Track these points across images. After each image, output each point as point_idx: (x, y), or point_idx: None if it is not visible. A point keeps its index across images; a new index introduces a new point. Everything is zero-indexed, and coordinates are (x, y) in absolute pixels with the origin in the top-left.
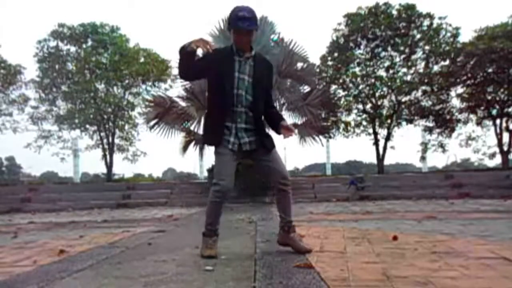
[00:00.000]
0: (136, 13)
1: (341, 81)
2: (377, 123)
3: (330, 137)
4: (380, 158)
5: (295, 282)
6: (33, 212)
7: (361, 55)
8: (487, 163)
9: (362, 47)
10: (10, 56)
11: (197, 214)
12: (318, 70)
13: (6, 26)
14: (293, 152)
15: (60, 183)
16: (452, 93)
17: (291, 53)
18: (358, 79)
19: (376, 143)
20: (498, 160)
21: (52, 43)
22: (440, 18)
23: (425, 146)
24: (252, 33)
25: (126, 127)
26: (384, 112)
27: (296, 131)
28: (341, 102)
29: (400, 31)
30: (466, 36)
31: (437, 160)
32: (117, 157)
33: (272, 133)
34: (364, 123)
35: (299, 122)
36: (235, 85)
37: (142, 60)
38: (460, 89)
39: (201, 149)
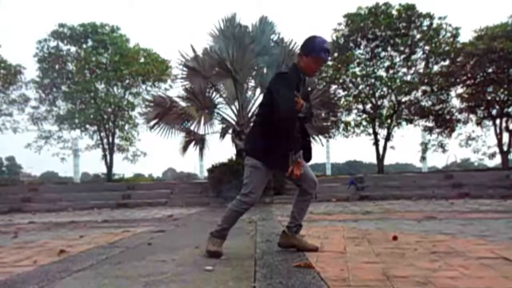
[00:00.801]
0: (136, 13)
1: (341, 81)
2: (377, 123)
3: (330, 137)
4: (380, 158)
5: (295, 282)
6: (33, 212)
7: (361, 55)
8: (487, 163)
9: (362, 47)
10: (10, 56)
11: (197, 214)
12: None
13: (6, 26)
14: None
15: (60, 183)
16: (452, 93)
17: (291, 53)
18: (358, 79)
19: (376, 143)
20: (498, 160)
21: (52, 43)
22: (440, 18)
23: (425, 146)
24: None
25: (126, 127)
26: (384, 112)
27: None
28: (341, 102)
29: (400, 31)
30: (466, 36)
31: (437, 160)
32: (117, 157)
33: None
34: (364, 123)
35: None
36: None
37: (142, 60)
38: (460, 89)
39: (201, 149)
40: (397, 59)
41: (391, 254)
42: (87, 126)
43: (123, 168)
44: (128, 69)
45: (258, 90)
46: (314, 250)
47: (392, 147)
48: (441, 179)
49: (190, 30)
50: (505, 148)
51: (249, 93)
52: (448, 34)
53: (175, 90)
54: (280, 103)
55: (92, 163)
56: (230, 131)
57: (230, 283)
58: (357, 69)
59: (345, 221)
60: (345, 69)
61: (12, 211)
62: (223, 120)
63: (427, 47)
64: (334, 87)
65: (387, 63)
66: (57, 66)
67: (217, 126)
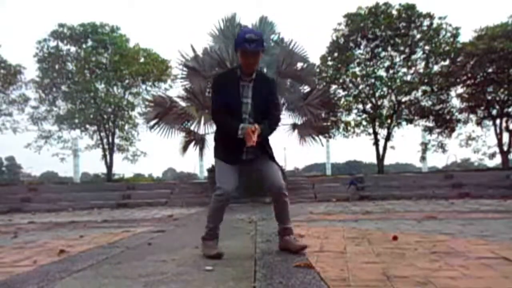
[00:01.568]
0: (136, 13)
1: (341, 81)
2: (377, 123)
3: (330, 137)
4: (380, 158)
5: (295, 282)
6: (33, 212)
7: (361, 55)
8: (487, 163)
9: (362, 47)
10: (10, 56)
11: (197, 214)
12: (318, 70)
13: (6, 26)
14: (293, 152)
15: (60, 183)
16: (452, 93)
17: (291, 53)
18: (358, 79)
19: (376, 143)
20: (498, 160)
21: (52, 43)
22: (440, 18)
23: (425, 146)
24: (258, 54)
25: (126, 127)
26: (384, 112)
27: (255, 137)
28: (341, 102)
29: (400, 31)
30: (466, 36)
31: (437, 160)
32: (117, 157)
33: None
34: (364, 123)
35: (299, 122)
36: (241, 111)
37: (142, 60)
38: (460, 89)
39: (201, 149)
40: (397, 59)
41: (391, 254)
42: (87, 126)
43: (123, 168)
44: (128, 69)
45: None
46: (301, 248)
47: (392, 147)
48: (441, 179)
49: (190, 30)
50: (505, 148)
51: None
52: (448, 34)
53: (175, 90)
54: (212, 108)
55: (92, 163)
56: None
57: (230, 283)
58: (357, 69)
59: (345, 221)
60: (345, 69)
61: (12, 211)
62: None
63: (427, 47)
64: (334, 87)
65: (387, 63)
66: (57, 66)
67: None
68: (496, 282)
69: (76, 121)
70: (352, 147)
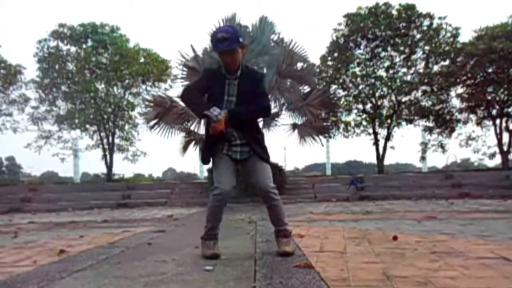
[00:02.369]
0: (136, 13)
1: (341, 81)
2: (377, 123)
3: (330, 137)
4: (380, 158)
5: (295, 282)
6: (33, 212)
7: (361, 55)
8: (487, 163)
9: (362, 47)
10: (10, 56)
11: (197, 214)
12: (318, 70)
13: (6, 26)
14: (293, 152)
15: (60, 183)
16: (452, 93)
17: (291, 53)
18: (358, 79)
19: (376, 143)
20: (498, 160)
21: (52, 43)
22: (440, 18)
23: (425, 146)
24: (235, 51)
25: (126, 127)
26: (384, 112)
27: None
28: (341, 102)
29: (400, 31)
30: (466, 36)
31: (437, 160)
32: (117, 157)
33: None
34: (364, 123)
35: (299, 122)
36: (222, 108)
37: (142, 60)
38: (460, 89)
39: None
40: (397, 59)
41: (391, 254)
42: (87, 126)
43: (123, 168)
44: (128, 69)
45: None
46: (284, 254)
47: (392, 147)
48: (441, 179)
49: (190, 30)
50: (505, 148)
51: None
52: (448, 34)
53: (175, 90)
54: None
55: (92, 163)
56: None
57: (230, 283)
58: (357, 69)
59: (345, 221)
60: (345, 69)
61: (12, 211)
62: None
63: (427, 47)
64: (334, 87)
65: (387, 63)
66: (57, 66)
67: None
68: (496, 282)
69: (76, 121)
70: (352, 147)
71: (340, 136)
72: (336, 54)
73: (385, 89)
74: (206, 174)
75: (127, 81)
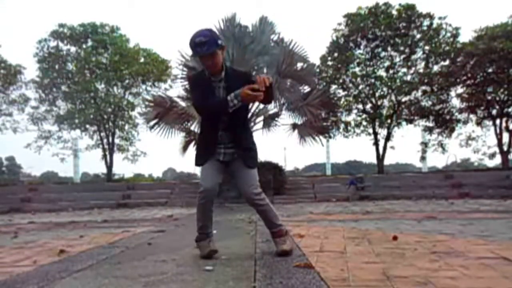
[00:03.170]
0: (136, 13)
1: (341, 81)
2: (377, 123)
3: (330, 137)
4: (380, 158)
5: (295, 282)
6: (33, 212)
7: (361, 55)
8: (487, 163)
9: (362, 47)
10: (10, 56)
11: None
12: (318, 70)
13: (6, 26)
14: (293, 152)
15: (60, 183)
16: (452, 93)
17: (291, 53)
18: (358, 79)
19: (376, 143)
20: (498, 160)
21: (52, 43)
22: (440, 18)
23: (425, 146)
24: (214, 54)
25: (126, 127)
26: (384, 112)
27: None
28: (341, 102)
29: (400, 31)
30: (466, 36)
31: (437, 160)
32: (117, 157)
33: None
34: (364, 123)
35: (299, 122)
36: None
37: (142, 60)
38: (460, 89)
39: None
40: (397, 59)
41: (391, 254)
42: (87, 126)
43: (123, 168)
44: (128, 69)
45: None
46: (283, 253)
47: (392, 147)
48: (441, 179)
49: (190, 30)
50: (505, 148)
51: None
52: (448, 34)
53: (175, 90)
54: (193, 104)
55: (92, 163)
56: None
57: (230, 283)
58: (357, 69)
59: (345, 221)
60: (345, 69)
61: (12, 211)
62: None
63: (427, 47)
64: (334, 87)
65: (387, 63)
66: (57, 66)
67: None
68: (496, 282)
69: (76, 121)
70: (352, 147)
71: (340, 136)
72: (336, 54)
73: (385, 89)
74: None
75: (127, 81)
